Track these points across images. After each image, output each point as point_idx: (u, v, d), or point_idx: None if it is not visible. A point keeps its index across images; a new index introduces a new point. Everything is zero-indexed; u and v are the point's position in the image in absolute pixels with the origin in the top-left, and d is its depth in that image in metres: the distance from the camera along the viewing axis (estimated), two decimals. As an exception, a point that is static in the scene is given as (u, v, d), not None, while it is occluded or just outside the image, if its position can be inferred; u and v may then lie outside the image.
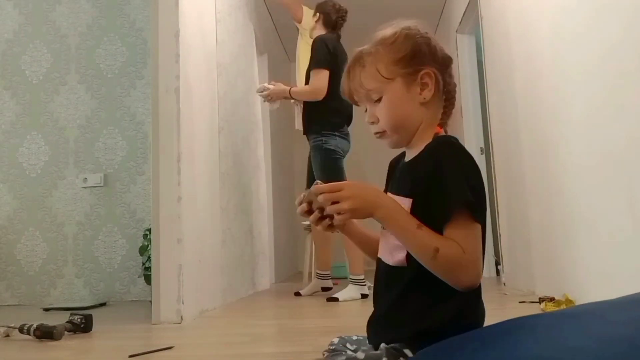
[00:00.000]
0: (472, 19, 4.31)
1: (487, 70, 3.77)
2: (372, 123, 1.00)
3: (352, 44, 4.11)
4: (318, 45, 3.23)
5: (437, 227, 0.89)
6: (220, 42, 3.29)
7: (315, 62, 3.22)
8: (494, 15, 3.54)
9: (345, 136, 3.28)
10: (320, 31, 3.37)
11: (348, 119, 3.30)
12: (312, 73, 3.23)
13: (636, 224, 1.82)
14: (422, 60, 0.96)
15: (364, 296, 3.06)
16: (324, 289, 3.41)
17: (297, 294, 3.37)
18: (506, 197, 3.40)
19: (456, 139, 0.95)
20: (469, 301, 0.92)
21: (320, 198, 0.91)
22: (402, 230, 0.89)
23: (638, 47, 1.77)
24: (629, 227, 1.88)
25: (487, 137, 3.96)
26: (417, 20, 1.01)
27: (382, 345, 0.92)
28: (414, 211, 0.92)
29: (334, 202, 0.90)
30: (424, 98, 0.96)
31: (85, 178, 3.77)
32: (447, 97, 0.99)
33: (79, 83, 3.89)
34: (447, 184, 0.88)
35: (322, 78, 3.18)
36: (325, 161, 3.20)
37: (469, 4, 4.17)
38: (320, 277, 3.44)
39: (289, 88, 3.36)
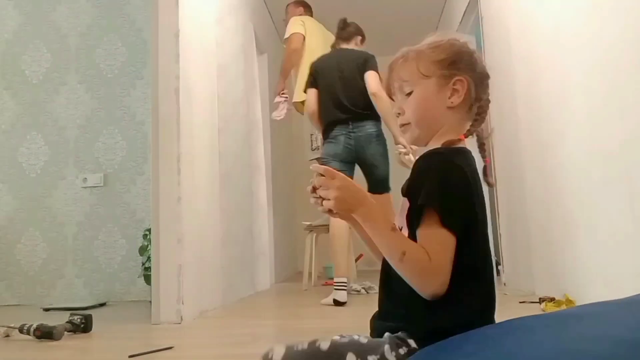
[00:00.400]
0: (472, 19, 4.31)
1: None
2: (399, 114, 1.06)
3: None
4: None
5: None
6: (220, 42, 3.29)
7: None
8: (494, 15, 3.54)
9: (333, 139, 3.13)
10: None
11: (334, 123, 3.14)
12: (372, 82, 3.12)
13: (636, 224, 1.82)
14: (460, 67, 1.01)
15: (336, 302, 2.76)
16: (337, 303, 2.85)
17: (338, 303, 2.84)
18: (506, 197, 3.40)
19: (453, 151, 0.97)
20: (488, 302, 0.94)
21: (315, 179, 0.98)
22: (377, 231, 0.93)
23: (638, 47, 1.77)
24: (629, 227, 1.88)
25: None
26: (464, 36, 1.08)
27: (387, 334, 0.93)
28: (411, 212, 0.96)
29: (325, 188, 0.96)
30: (452, 102, 1.01)
31: (85, 178, 3.77)
32: (478, 111, 1.03)
33: (79, 83, 3.89)
34: (420, 190, 0.92)
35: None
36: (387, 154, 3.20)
37: (469, 4, 4.16)
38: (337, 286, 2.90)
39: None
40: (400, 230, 0.98)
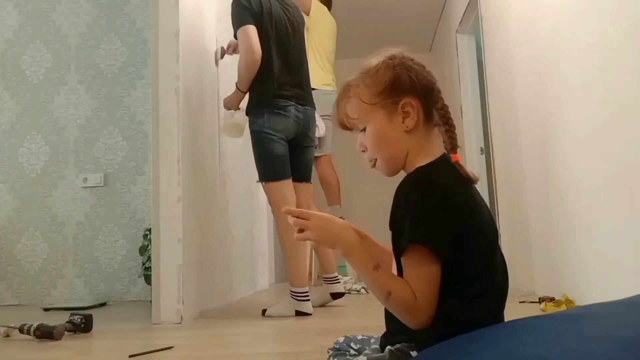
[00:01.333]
0: (472, 19, 4.31)
1: (487, 70, 3.77)
2: (363, 151, 1.05)
3: (356, 44, 4.12)
4: (233, 7, 2.68)
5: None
6: (220, 42, 3.29)
7: (234, 24, 2.65)
8: (494, 15, 3.54)
9: (281, 110, 2.59)
10: None
11: (292, 88, 2.66)
12: (238, 34, 2.62)
13: (636, 224, 1.82)
14: (402, 90, 0.99)
15: (299, 313, 2.49)
16: (299, 314, 2.51)
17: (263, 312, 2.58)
18: (506, 197, 3.40)
19: (431, 170, 0.95)
20: (489, 309, 0.93)
21: (290, 220, 0.97)
22: (359, 269, 0.93)
23: (638, 47, 1.77)
24: (629, 227, 1.88)
25: (487, 137, 3.96)
26: (404, 47, 1.04)
27: (388, 347, 0.92)
28: (393, 241, 0.96)
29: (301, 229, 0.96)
30: (407, 127, 0.99)
31: (86, 178, 3.77)
32: (443, 121, 1.00)
33: (79, 83, 3.89)
34: (399, 222, 0.91)
35: (246, 35, 2.56)
36: (254, 146, 2.62)
37: (469, 4, 4.17)
38: (295, 296, 2.55)
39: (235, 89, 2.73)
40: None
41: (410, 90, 0.98)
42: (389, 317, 1.01)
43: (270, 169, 2.60)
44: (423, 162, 0.97)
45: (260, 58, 2.58)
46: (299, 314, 2.49)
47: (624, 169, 1.89)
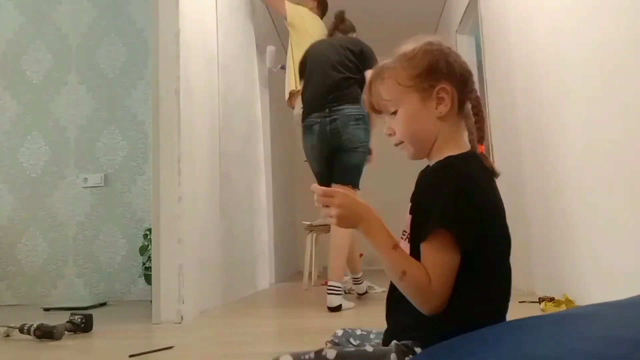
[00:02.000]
0: (472, 19, 4.31)
1: (487, 70, 3.77)
2: (390, 135, 1.04)
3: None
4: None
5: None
6: (220, 42, 3.29)
7: None
8: (494, 15, 3.54)
9: (308, 129, 2.90)
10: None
11: (316, 104, 2.89)
12: None
13: (636, 224, 1.82)
14: (439, 76, 0.98)
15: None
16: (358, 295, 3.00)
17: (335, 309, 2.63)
18: (506, 197, 3.39)
19: (462, 160, 0.95)
20: (496, 309, 0.94)
21: (315, 199, 0.98)
22: (378, 248, 0.93)
23: (637, 46, 1.77)
24: (628, 227, 1.88)
25: (487, 137, 3.96)
26: (439, 36, 1.04)
27: (394, 342, 0.93)
28: (414, 226, 0.96)
29: (325, 206, 0.96)
30: (440, 112, 0.99)
31: (86, 178, 3.77)
32: (474, 111, 1.02)
33: (80, 83, 3.89)
34: (427, 206, 0.92)
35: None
36: (363, 154, 2.91)
37: (469, 4, 4.17)
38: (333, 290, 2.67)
39: None
40: (405, 237, 0.98)
41: (447, 77, 0.99)
42: (390, 315, 1.01)
43: (314, 167, 2.96)
44: (451, 152, 0.98)
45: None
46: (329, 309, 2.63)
47: (624, 169, 1.89)
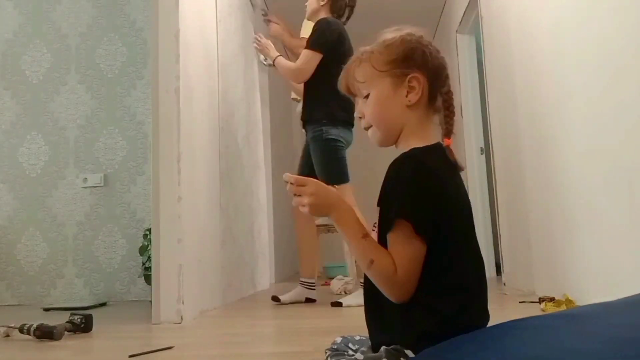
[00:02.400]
0: (472, 19, 4.31)
1: (487, 70, 3.77)
2: (360, 118, 1.08)
3: (356, 44, 4.07)
4: (323, 26, 2.94)
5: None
6: (220, 42, 3.29)
7: (312, 42, 2.92)
8: (494, 15, 3.54)
9: (349, 127, 3.00)
10: (325, 15, 3.05)
11: (352, 116, 2.96)
12: (305, 51, 2.93)
13: (636, 224, 1.82)
14: (412, 64, 1.01)
15: (308, 300, 2.98)
16: (308, 300, 3.03)
17: (276, 298, 2.99)
18: (506, 197, 3.40)
19: (424, 152, 0.97)
20: (468, 299, 0.94)
21: (287, 187, 1.01)
22: (349, 236, 0.96)
23: (637, 46, 1.77)
24: (629, 227, 1.88)
25: (487, 137, 3.96)
26: (421, 29, 1.05)
27: (383, 347, 0.93)
28: (380, 217, 0.98)
29: (298, 195, 1.00)
30: (409, 101, 1.01)
31: (86, 178, 3.77)
32: (444, 105, 1.03)
33: (79, 83, 3.89)
34: (388, 196, 0.95)
35: (311, 60, 2.90)
36: (325, 151, 2.93)
37: (469, 4, 4.17)
38: (305, 285, 3.06)
39: (276, 55, 3.10)
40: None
41: (421, 67, 1.01)
42: (368, 318, 1.03)
43: (340, 174, 2.94)
44: (417, 143, 0.99)
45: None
46: (307, 300, 3.00)
47: (624, 168, 1.89)
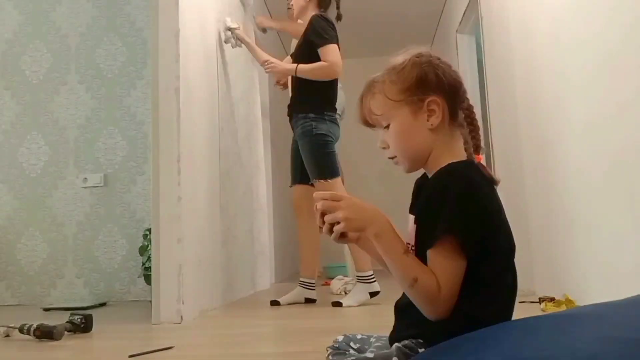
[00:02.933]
0: (472, 19, 4.31)
1: (487, 70, 3.77)
2: (384, 148, 1.05)
3: (356, 44, 4.18)
4: (321, 22, 2.96)
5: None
6: (220, 41, 3.29)
7: (325, 39, 2.92)
8: (494, 15, 3.54)
9: (336, 121, 3.04)
10: (314, 11, 3.05)
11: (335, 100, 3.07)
12: (323, 49, 2.91)
13: (636, 224, 1.82)
14: (428, 88, 0.99)
15: (373, 294, 2.81)
16: (308, 300, 2.99)
17: (275, 302, 2.93)
18: (506, 197, 3.39)
19: (466, 167, 0.96)
20: (497, 313, 0.93)
21: (319, 205, 0.95)
22: (389, 253, 0.92)
23: (637, 47, 1.77)
24: (629, 227, 1.88)
25: (487, 137, 3.96)
26: (428, 47, 1.05)
27: (395, 345, 0.93)
28: (419, 233, 0.96)
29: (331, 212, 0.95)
30: (432, 125, 0.99)
31: (85, 178, 3.77)
32: (467, 121, 1.01)
33: (79, 83, 3.89)
34: (434, 212, 0.91)
35: (337, 53, 2.93)
36: (315, 147, 2.94)
37: (469, 4, 4.17)
38: (304, 285, 3.02)
39: (294, 66, 2.99)
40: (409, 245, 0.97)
41: (437, 89, 0.99)
42: (399, 310, 1.01)
43: (332, 168, 2.95)
44: (450, 160, 0.98)
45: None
46: (307, 300, 2.97)
47: (624, 168, 1.89)
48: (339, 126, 3.08)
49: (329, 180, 2.91)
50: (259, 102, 4.36)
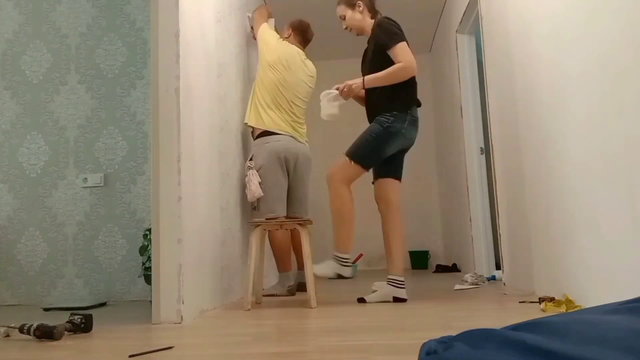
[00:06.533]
0: (472, 19, 4.31)
1: (487, 70, 3.77)
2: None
3: (356, 44, 4.32)
4: (386, 24, 2.97)
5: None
6: (220, 42, 3.29)
7: (395, 38, 2.90)
8: (494, 15, 3.54)
9: (415, 123, 3.00)
10: (369, 18, 3.12)
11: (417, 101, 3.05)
12: (395, 49, 2.89)
13: (636, 224, 1.82)
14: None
15: (397, 299, 2.84)
16: (397, 300, 2.89)
17: (362, 300, 2.94)
18: (506, 197, 3.40)
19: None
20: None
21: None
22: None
23: (637, 47, 1.77)
24: (629, 227, 1.88)
25: (487, 137, 3.96)
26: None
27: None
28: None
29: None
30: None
31: (86, 178, 3.77)
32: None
33: (79, 83, 3.89)
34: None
35: (409, 50, 2.92)
36: (373, 133, 2.91)
37: (469, 4, 4.17)
38: (339, 260, 2.92)
39: (361, 79, 2.96)
40: None
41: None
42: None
43: (365, 156, 2.93)
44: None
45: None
46: (339, 277, 3.00)
47: (624, 168, 1.89)
48: (417, 129, 3.02)
49: (352, 163, 2.90)
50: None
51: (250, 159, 3.52)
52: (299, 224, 2.97)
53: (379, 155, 2.94)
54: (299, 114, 3.68)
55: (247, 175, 3.46)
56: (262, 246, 3.21)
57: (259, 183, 3.43)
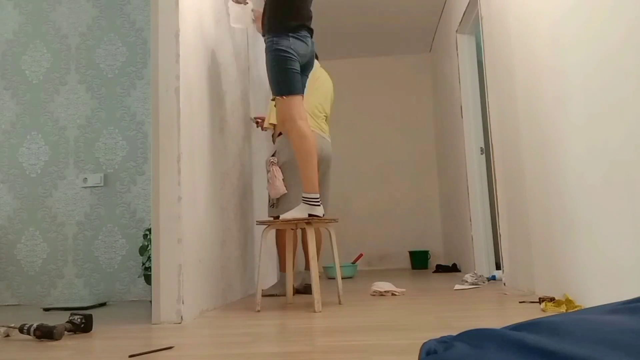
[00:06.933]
0: (472, 19, 4.31)
1: (487, 70, 3.77)
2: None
3: (357, 44, 4.28)
4: None
5: None
6: (220, 42, 3.29)
7: None
8: (494, 15, 3.54)
9: (303, 38, 2.95)
10: None
11: (307, 21, 3.03)
12: None
13: (636, 224, 1.83)
14: None
15: (312, 216, 2.76)
16: (312, 216, 2.80)
17: (277, 217, 3.00)
18: (506, 197, 3.40)
19: None
20: None
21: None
22: None
23: (638, 47, 1.77)
24: (629, 227, 1.88)
25: (487, 137, 3.96)
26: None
27: None
28: None
29: None
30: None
31: (86, 178, 3.78)
32: None
33: (79, 83, 3.89)
34: None
35: None
36: (274, 61, 2.88)
37: (469, 4, 4.17)
38: (307, 201, 2.81)
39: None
40: None
41: None
42: None
43: (289, 84, 2.88)
44: None
45: None
46: (311, 216, 2.77)
47: (624, 168, 1.89)
48: (307, 44, 2.97)
49: (285, 97, 2.85)
50: (258, 101, 4.36)
51: (273, 155, 3.50)
52: (326, 222, 2.87)
53: (295, 74, 2.88)
54: (320, 111, 3.68)
55: (269, 172, 3.40)
56: (294, 244, 3.19)
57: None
